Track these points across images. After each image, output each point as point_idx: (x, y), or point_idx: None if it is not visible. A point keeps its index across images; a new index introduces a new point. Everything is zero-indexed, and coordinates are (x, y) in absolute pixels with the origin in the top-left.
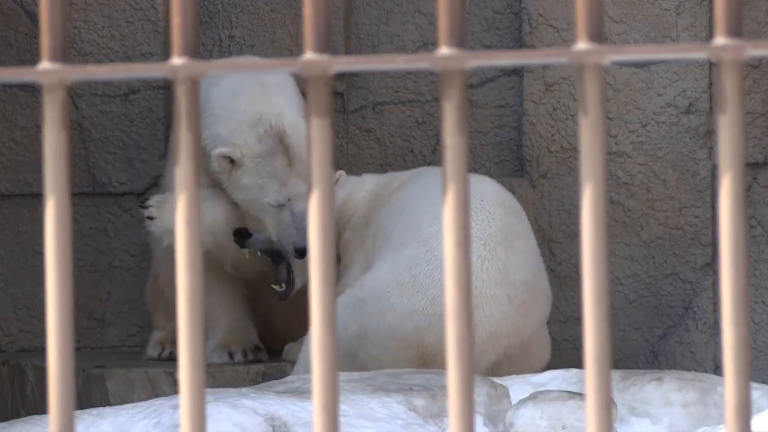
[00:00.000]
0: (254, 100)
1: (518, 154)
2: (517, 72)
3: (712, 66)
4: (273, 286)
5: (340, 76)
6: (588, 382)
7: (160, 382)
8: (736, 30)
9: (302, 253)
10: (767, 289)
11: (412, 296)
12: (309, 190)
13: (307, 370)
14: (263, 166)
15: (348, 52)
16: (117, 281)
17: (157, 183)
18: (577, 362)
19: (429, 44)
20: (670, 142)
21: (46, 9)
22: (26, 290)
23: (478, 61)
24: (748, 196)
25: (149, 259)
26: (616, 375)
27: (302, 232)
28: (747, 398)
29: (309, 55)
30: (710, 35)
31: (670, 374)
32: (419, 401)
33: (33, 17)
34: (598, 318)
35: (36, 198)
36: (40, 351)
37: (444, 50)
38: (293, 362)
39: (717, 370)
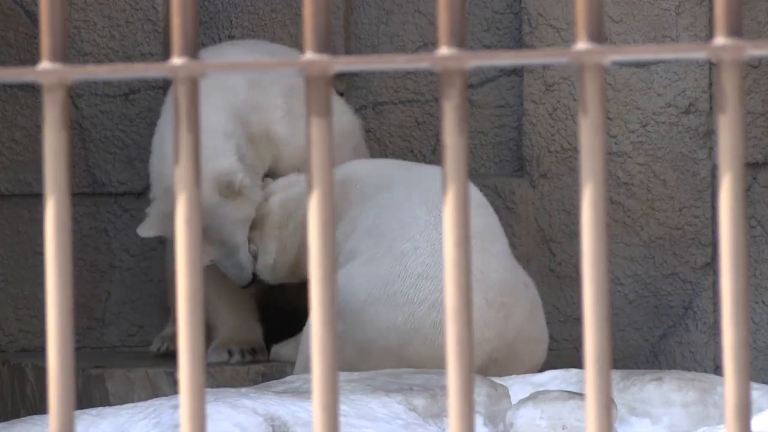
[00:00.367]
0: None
1: (518, 154)
2: (517, 72)
3: (712, 66)
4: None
5: (340, 76)
6: (588, 382)
7: (160, 382)
8: (736, 30)
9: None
10: (767, 289)
11: (388, 313)
12: (309, 190)
13: (306, 369)
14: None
15: (348, 52)
16: (117, 281)
17: None
18: (577, 362)
19: (429, 44)
20: (670, 142)
21: (46, 9)
22: (26, 290)
23: (478, 61)
24: (748, 196)
25: (149, 259)
26: (616, 375)
27: (242, 274)
28: (747, 398)
29: (309, 55)
30: (710, 35)
31: (670, 374)
32: (419, 401)
33: (33, 17)
34: (598, 318)
35: (36, 198)
36: (40, 351)
37: (444, 50)
38: (281, 362)
39: (717, 370)
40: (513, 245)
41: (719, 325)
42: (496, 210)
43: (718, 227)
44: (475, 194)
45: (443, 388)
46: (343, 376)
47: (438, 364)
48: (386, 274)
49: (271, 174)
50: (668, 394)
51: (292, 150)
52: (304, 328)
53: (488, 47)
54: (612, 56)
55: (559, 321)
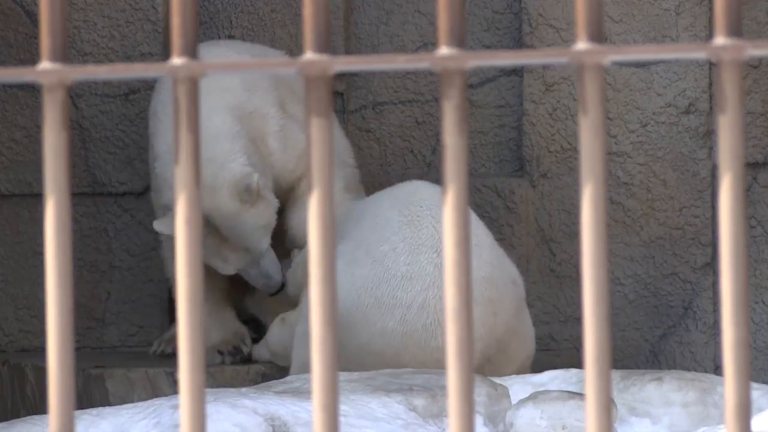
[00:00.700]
0: None
1: (518, 154)
2: (517, 72)
3: (712, 66)
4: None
5: (340, 76)
6: (588, 382)
7: (160, 382)
8: (736, 30)
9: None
10: (767, 289)
11: (378, 319)
12: (309, 190)
13: (302, 369)
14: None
15: (348, 52)
16: (117, 281)
17: None
18: (577, 362)
19: (429, 44)
20: (670, 142)
21: (46, 9)
22: (26, 290)
23: (478, 61)
24: (748, 196)
25: (149, 259)
26: (616, 375)
27: (270, 281)
28: (747, 398)
29: (309, 55)
30: (710, 35)
31: (670, 374)
32: (419, 401)
33: (33, 17)
34: (598, 318)
35: (36, 198)
36: (40, 351)
37: (444, 50)
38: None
39: (717, 370)
40: (513, 245)
41: (719, 325)
42: (496, 210)
43: (718, 227)
44: (436, 196)
45: (443, 388)
46: (343, 376)
47: (433, 367)
48: (370, 276)
49: None
50: (668, 394)
51: (281, 164)
52: (270, 327)
53: (488, 47)
54: (612, 56)
55: (559, 321)
